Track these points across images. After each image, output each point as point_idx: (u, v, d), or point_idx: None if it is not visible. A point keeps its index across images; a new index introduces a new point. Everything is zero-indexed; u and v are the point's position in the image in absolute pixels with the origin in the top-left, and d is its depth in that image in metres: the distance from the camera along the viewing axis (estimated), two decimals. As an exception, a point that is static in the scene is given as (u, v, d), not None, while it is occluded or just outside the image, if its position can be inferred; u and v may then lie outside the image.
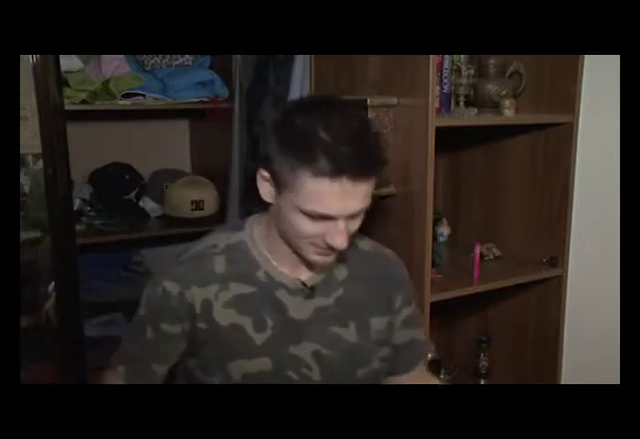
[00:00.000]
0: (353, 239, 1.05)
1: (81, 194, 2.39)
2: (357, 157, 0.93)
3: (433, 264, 1.56)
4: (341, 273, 1.11)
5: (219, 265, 1.07)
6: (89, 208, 2.40)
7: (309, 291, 1.08)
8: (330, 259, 1.03)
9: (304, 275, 1.08)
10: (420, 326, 1.23)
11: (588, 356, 1.74)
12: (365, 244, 1.18)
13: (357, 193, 0.95)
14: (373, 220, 1.66)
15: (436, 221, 1.76)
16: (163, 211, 2.50)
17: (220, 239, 1.10)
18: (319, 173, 0.92)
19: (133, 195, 2.50)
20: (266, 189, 1.02)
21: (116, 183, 2.47)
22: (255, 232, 1.10)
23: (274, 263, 1.08)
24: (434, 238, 1.63)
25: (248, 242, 1.09)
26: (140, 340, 1.08)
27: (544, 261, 1.75)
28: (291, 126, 0.96)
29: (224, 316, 1.05)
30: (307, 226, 0.98)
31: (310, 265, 1.07)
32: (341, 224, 0.97)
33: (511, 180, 1.82)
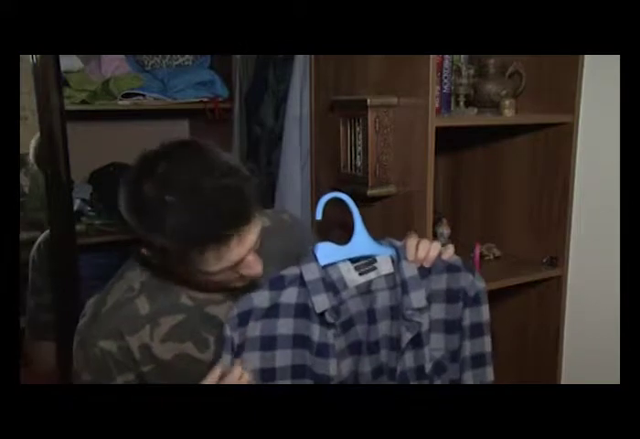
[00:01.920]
0: None
1: (81, 194, 2.39)
2: (230, 217, 0.91)
3: (433, 264, 1.56)
4: None
5: (143, 307, 1.05)
6: (89, 208, 2.40)
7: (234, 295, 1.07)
8: (250, 278, 1.02)
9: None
10: None
11: (588, 356, 1.73)
12: (263, 221, 1.15)
13: (245, 236, 0.94)
14: (373, 220, 1.66)
15: (436, 221, 1.76)
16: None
17: (133, 279, 1.07)
18: (201, 251, 0.91)
19: (133, 195, 2.50)
20: (157, 260, 1.00)
21: (116, 183, 2.47)
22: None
23: (194, 284, 1.06)
24: (434, 238, 1.63)
25: (160, 274, 1.07)
26: None
27: (544, 261, 1.75)
28: (145, 206, 0.91)
29: (166, 351, 1.05)
30: (217, 277, 0.98)
31: None
32: (250, 257, 0.98)
33: (511, 180, 1.81)
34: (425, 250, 1.04)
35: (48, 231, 1.89)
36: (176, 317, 1.06)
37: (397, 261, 1.04)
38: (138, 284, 1.07)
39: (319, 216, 1.03)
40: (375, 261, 1.04)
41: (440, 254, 1.06)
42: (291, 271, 1.01)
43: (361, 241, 1.03)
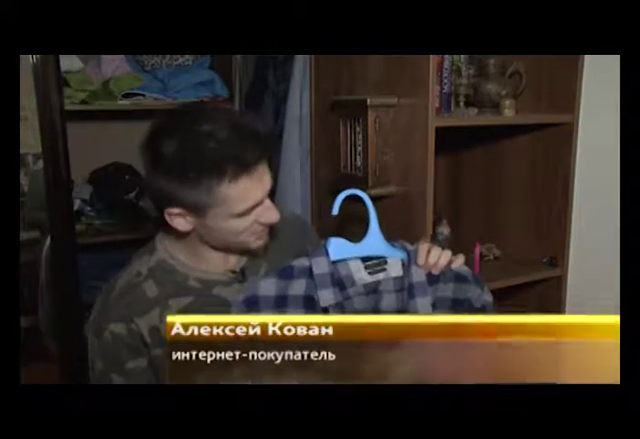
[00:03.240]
0: None
1: (81, 194, 2.39)
2: (254, 145, 1.00)
3: (433, 264, 1.56)
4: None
5: (151, 290, 1.07)
6: (89, 208, 2.40)
7: (241, 276, 1.12)
8: (266, 236, 1.10)
9: (231, 264, 1.13)
10: None
11: (588, 356, 1.73)
12: None
13: (266, 171, 1.03)
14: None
15: (436, 221, 1.76)
16: (163, 211, 2.51)
17: (141, 265, 1.10)
18: (234, 178, 0.97)
19: (133, 195, 2.50)
20: (181, 223, 1.04)
21: (116, 183, 2.47)
22: (170, 248, 1.11)
23: (202, 267, 1.10)
24: (434, 238, 1.63)
25: (168, 259, 1.10)
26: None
27: (544, 261, 1.75)
28: (172, 155, 0.97)
29: None
30: (242, 223, 1.03)
31: (235, 253, 1.12)
32: (267, 202, 1.04)
33: (511, 180, 1.82)
34: (436, 257, 1.05)
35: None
36: (185, 299, 1.08)
37: (407, 264, 1.04)
38: (145, 270, 1.09)
39: (336, 211, 1.03)
40: (385, 262, 1.04)
41: (450, 263, 1.07)
42: (301, 262, 1.03)
43: (374, 241, 1.04)
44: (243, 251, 1.12)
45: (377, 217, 1.04)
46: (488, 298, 1.08)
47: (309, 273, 1.01)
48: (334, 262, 1.01)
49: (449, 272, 1.06)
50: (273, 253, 1.17)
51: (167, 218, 1.03)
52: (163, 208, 1.03)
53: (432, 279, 1.05)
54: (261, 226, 1.06)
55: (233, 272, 1.12)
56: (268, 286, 1.01)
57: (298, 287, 1.02)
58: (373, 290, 1.03)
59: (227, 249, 1.10)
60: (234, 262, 1.13)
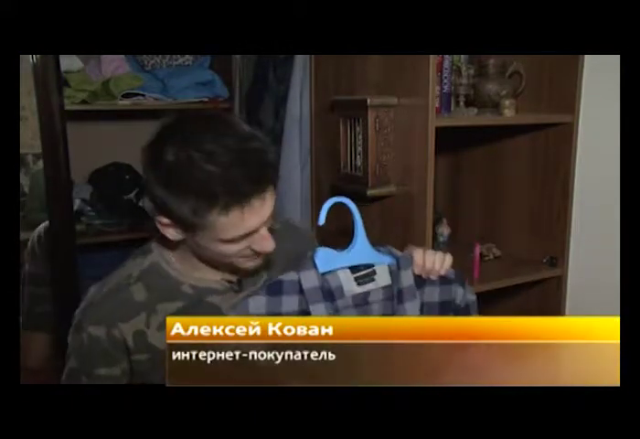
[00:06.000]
0: None
1: (81, 194, 2.39)
2: (254, 176, 0.91)
3: (433, 264, 1.56)
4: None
5: (139, 294, 1.03)
6: (89, 208, 2.40)
7: (237, 286, 1.07)
8: (261, 258, 1.03)
9: (227, 274, 1.07)
10: None
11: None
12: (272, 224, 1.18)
13: (265, 201, 0.94)
14: (373, 220, 1.66)
15: (436, 221, 1.76)
16: (163, 211, 2.51)
17: (133, 267, 1.06)
18: (225, 208, 0.90)
19: (133, 195, 2.50)
20: (171, 233, 0.98)
21: (116, 183, 2.47)
22: (165, 253, 1.07)
23: (196, 275, 1.06)
24: (434, 238, 1.63)
25: (162, 263, 1.06)
26: None
27: (544, 261, 1.75)
28: (169, 166, 0.90)
29: (162, 339, 1.00)
30: (232, 248, 0.97)
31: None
32: (263, 231, 0.97)
33: (511, 180, 1.81)
34: (431, 261, 1.04)
35: (47, 222, 1.89)
36: (175, 305, 1.04)
37: (396, 270, 1.03)
38: (137, 272, 1.05)
39: (322, 221, 1.00)
40: (374, 272, 1.03)
41: (444, 265, 1.06)
42: (289, 276, 1.00)
43: (361, 249, 1.02)
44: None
45: (362, 223, 1.02)
46: (471, 297, 1.09)
47: (299, 287, 0.99)
48: (323, 274, 0.99)
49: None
50: (272, 265, 1.11)
51: (158, 225, 0.98)
52: (155, 215, 0.97)
53: (419, 282, 1.04)
54: (254, 251, 0.99)
55: (230, 281, 1.08)
56: (258, 305, 0.98)
57: (291, 304, 0.99)
58: (362, 302, 1.02)
59: (218, 265, 1.05)
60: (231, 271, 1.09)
